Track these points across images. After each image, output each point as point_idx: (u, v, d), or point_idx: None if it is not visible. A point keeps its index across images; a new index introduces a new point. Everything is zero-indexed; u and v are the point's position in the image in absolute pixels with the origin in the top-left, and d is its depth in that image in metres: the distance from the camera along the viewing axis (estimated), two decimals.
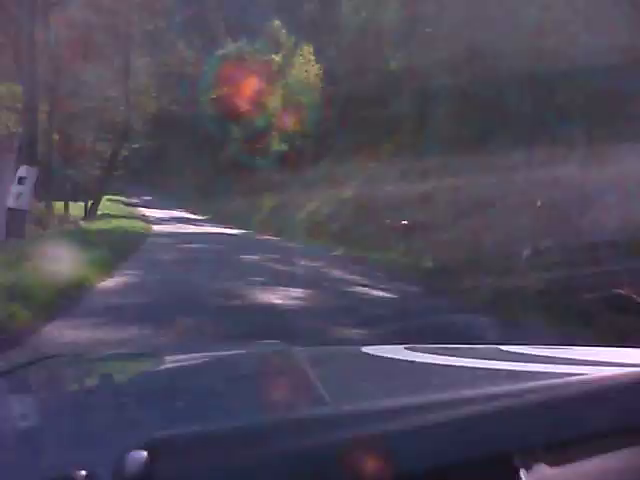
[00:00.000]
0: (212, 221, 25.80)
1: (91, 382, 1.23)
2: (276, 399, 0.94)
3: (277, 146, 25.78)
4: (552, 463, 0.60)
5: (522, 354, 1.19)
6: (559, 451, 0.61)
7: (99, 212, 24.03)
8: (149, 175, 42.03)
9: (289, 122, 24.85)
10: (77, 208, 23.40)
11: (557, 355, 1.15)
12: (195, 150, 35.83)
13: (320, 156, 22.71)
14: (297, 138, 24.72)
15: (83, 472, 0.56)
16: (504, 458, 0.59)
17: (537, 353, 1.18)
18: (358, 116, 19.66)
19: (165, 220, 25.25)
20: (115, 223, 18.61)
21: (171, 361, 1.40)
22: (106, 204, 28.24)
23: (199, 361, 1.37)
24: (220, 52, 32.35)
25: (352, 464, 0.55)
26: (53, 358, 1.41)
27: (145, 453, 0.52)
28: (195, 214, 30.39)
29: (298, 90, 25.21)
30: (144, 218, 25.76)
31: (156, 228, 19.86)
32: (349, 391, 1.00)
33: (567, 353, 1.19)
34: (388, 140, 17.39)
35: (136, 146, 29.67)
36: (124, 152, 26.99)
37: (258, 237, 18.11)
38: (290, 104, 25.19)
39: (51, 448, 0.74)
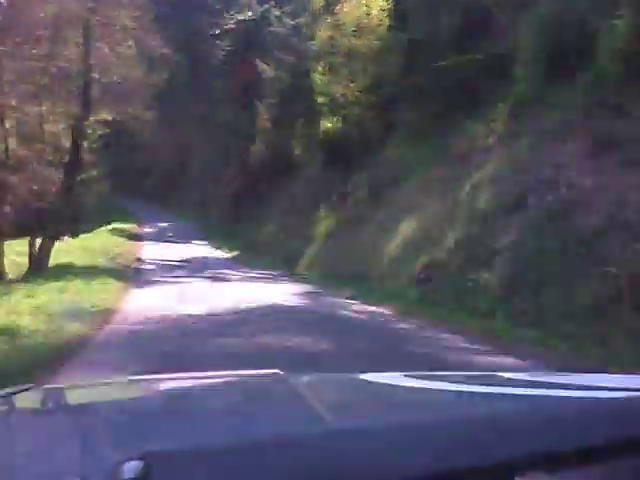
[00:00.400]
0: (245, 261, 17.92)
1: (78, 407, 1.22)
2: (272, 419, 0.95)
3: (326, 127, 17.11)
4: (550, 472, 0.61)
5: (520, 380, 1.21)
6: (558, 468, 0.62)
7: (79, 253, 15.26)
8: (168, 193, 36.95)
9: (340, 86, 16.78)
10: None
11: (553, 381, 1.17)
12: (218, 153, 29.72)
13: (386, 139, 15.22)
14: (354, 112, 16.40)
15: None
16: (504, 475, 0.60)
17: (534, 379, 1.21)
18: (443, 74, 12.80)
19: (174, 273, 14.79)
20: (52, 299, 8.68)
21: (169, 386, 1.39)
22: (102, 235, 22.82)
23: (195, 385, 1.37)
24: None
25: (347, 477, 0.56)
26: (33, 389, 1.35)
27: (140, 463, 0.53)
28: (220, 248, 22.74)
29: (354, 33, 16.42)
30: (136, 271, 15.48)
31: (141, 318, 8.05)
32: (346, 413, 1.00)
33: (564, 379, 1.20)
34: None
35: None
36: (93, 140, 18.58)
37: (339, 299, 10.25)
38: (342, 57, 17.03)
39: (44, 465, 0.74)
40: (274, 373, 1.39)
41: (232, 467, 0.55)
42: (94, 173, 22.57)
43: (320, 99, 17.56)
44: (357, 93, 16.37)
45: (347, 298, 10.41)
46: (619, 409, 0.73)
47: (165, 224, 31.01)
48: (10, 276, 13.13)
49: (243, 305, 9.00)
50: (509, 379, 1.24)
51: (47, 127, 15.81)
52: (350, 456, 0.57)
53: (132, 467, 0.53)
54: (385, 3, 15.92)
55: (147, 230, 28.91)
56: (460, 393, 1.10)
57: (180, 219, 32.05)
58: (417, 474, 0.58)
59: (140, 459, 0.54)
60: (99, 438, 0.86)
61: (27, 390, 1.24)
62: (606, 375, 1.23)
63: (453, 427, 0.65)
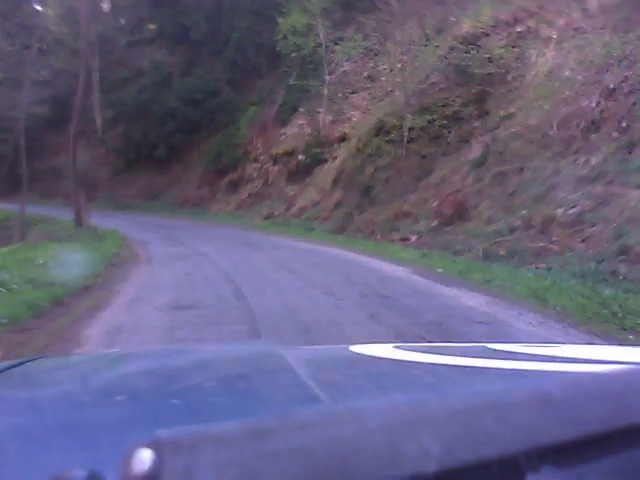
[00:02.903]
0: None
1: (83, 381, 1.20)
2: (270, 399, 0.94)
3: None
4: (559, 464, 0.58)
5: (512, 352, 1.19)
6: (565, 452, 0.58)
7: None
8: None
9: None
10: None
11: (547, 353, 1.14)
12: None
13: None
14: None
15: (84, 472, 0.56)
16: (508, 458, 0.56)
17: (523, 351, 1.18)
18: None
19: None
20: None
21: (164, 361, 1.38)
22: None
23: (191, 360, 1.37)
24: None
25: (354, 460, 0.53)
26: (41, 359, 1.35)
27: (153, 452, 0.51)
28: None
29: None
30: None
31: None
32: (343, 391, 1.00)
33: (556, 351, 1.18)
34: None
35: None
36: None
37: None
38: None
39: (49, 448, 0.74)
40: (266, 344, 1.35)
41: (245, 452, 0.53)
42: None
43: None
44: None
45: None
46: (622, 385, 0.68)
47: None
48: None
49: None
50: (499, 351, 1.22)
51: None
52: (359, 441, 0.55)
53: (144, 456, 0.51)
54: None
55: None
56: (453, 368, 1.07)
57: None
58: (416, 461, 0.54)
59: (149, 446, 0.52)
60: (99, 421, 0.85)
61: (29, 362, 1.24)
62: (597, 347, 1.16)
63: (457, 411, 0.61)
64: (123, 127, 30.33)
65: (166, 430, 0.55)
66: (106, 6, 32.30)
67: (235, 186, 23.92)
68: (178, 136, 27.13)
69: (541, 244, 9.17)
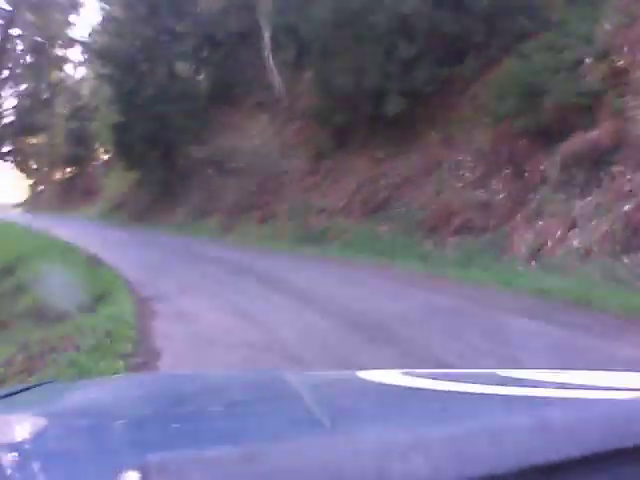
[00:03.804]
0: None
1: (86, 406, 1.22)
2: (271, 423, 0.94)
3: None
4: None
5: (518, 379, 1.20)
6: (556, 473, 0.61)
7: None
8: None
9: None
10: None
11: (551, 380, 1.16)
12: None
13: None
14: None
15: None
16: (497, 477, 0.59)
17: (532, 377, 1.21)
18: None
19: None
20: None
21: (169, 386, 1.42)
22: None
23: (196, 386, 1.39)
24: None
25: None
26: (49, 384, 1.45)
27: (140, 474, 0.54)
28: None
29: None
30: None
31: None
32: (346, 417, 0.97)
33: (561, 377, 1.19)
34: None
35: None
36: None
37: None
38: None
39: (43, 470, 0.74)
40: (274, 371, 1.50)
41: (231, 475, 0.56)
42: None
43: None
44: None
45: None
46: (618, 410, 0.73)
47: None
48: None
49: None
50: (509, 378, 1.21)
51: None
52: (349, 464, 0.57)
53: (129, 478, 0.54)
54: None
55: None
56: (460, 394, 1.04)
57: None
58: None
59: (138, 469, 0.54)
60: (96, 443, 0.86)
61: (29, 389, 1.27)
62: (603, 373, 1.18)
63: (455, 437, 0.64)
64: (310, 74, 17.51)
65: (156, 454, 0.58)
66: None
67: None
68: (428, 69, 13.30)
69: None
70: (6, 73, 26.94)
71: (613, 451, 0.62)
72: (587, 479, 0.62)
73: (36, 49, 27.92)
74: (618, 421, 0.67)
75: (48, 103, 30.08)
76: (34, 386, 1.28)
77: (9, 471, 0.71)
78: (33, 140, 35.07)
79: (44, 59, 28.49)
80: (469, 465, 0.58)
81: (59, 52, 30.64)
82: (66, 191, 39.58)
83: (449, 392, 1.09)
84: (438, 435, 0.63)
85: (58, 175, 42.11)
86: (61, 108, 33.98)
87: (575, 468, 0.61)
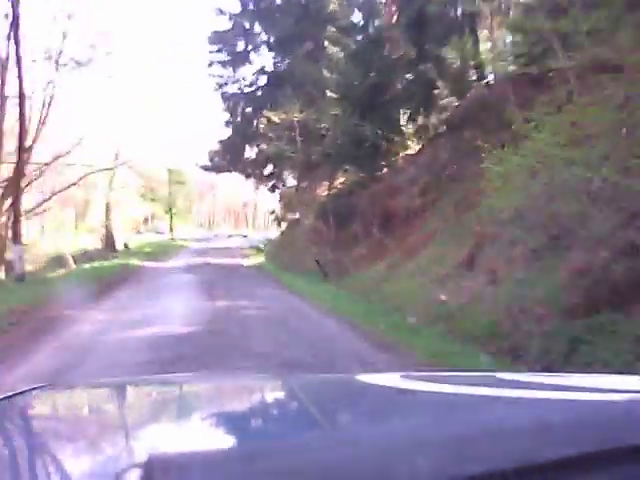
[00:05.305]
0: None
1: (85, 408, 1.25)
2: (271, 424, 0.95)
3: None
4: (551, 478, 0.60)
5: (516, 381, 1.20)
6: (555, 473, 0.61)
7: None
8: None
9: None
10: None
11: (549, 382, 1.17)
12: None
13: None
14: None
15: None
16: (497, 474, 0.58)
17: (530, 380, 1.22)
18: None
19: None
20: None
21: (173, 388, 1.40)
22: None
23: (196, 387, 1.38)
24: None
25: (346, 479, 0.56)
26: (45, 387, 1.43)
27: (143, 471, 0.54)
28: None
29: None
30: None
31: None
32: (346, 419, 1.00)
33: (559, 380, 1.20)
34: None
35: None
36: None
37: None
38: None
39: (47, 469, 0.74)
40: (275, 375, 1.54)
41: (232, 475, 0.55)
42: None
43: None
44: None
45: None
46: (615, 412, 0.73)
47: None
48: None
49: None
50: (507, 380, 1.20)
51: None
52: (349, 464, 0.57)
53: (135, 476, 0.55)
54: None
55: None
56: (459, 397, 1.05)
57: None
58: None
59: (142, 466, 0.54)
60: (102, 443, 0.85)
61: (33, 390, 1.27)
62: (593, 375, 1.22)
63: (454, 437, 0.64)
64: None
65: (158, 452, 0.60)
66: None
67: None
68: None
69: None
70: None
71: (611, 451, 0.62)
72: (586, 479, 0.62)
73: None
74: (616, 422, 0.68)
75: None
76: (28, 390, 1.29)
77: (7, 473, 0.70)
78: None
79: None
80: (469, 465, 0.57)
81: None
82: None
83: (448, 394, 1.08)
84: (438, 435, 0.62)
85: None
86: None
87: (574, 468, 0.61)
